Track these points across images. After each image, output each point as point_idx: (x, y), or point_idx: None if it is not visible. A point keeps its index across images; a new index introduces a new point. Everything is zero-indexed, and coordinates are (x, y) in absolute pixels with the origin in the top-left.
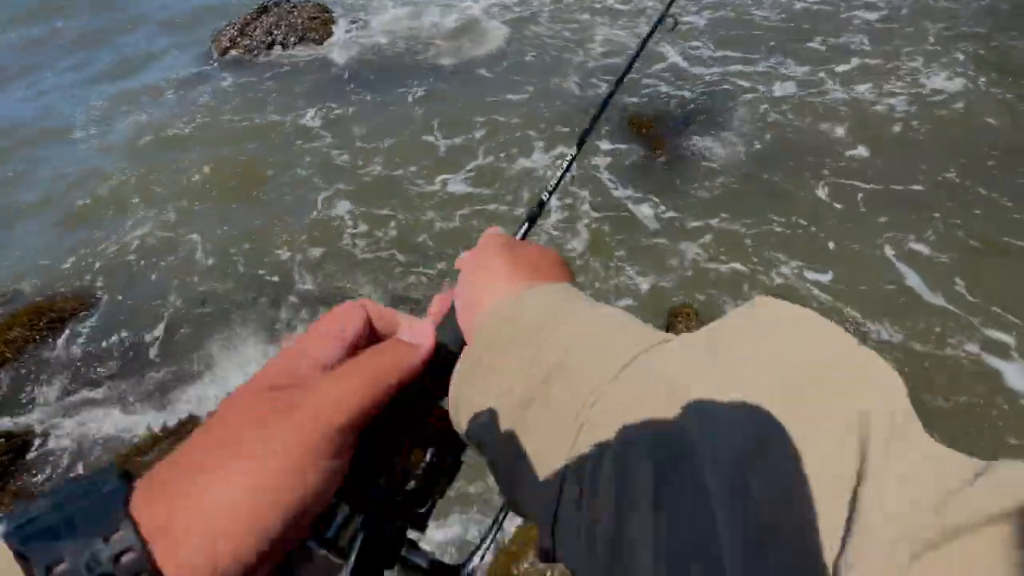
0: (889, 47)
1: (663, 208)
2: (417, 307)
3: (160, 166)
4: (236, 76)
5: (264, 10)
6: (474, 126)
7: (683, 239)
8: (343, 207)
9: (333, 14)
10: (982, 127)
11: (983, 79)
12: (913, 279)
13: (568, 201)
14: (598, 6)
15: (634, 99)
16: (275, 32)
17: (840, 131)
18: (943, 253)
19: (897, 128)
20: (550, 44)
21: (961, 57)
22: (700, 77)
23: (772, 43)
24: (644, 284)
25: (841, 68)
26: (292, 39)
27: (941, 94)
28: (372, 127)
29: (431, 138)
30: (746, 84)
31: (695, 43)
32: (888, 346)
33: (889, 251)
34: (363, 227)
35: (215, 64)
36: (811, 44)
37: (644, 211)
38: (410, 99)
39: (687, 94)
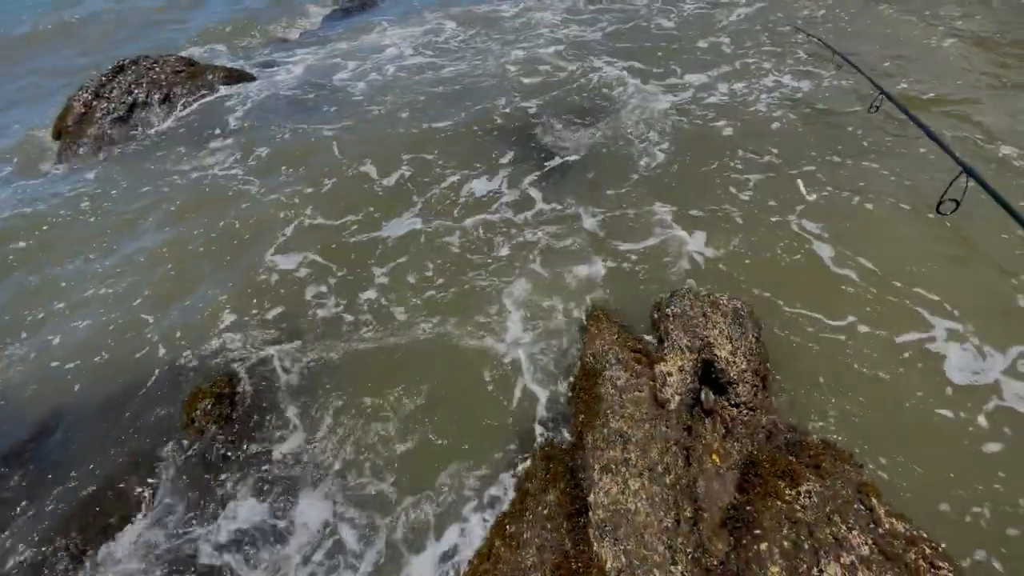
0: (749, 53)
1: (579, 209)
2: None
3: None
4: (101, 157)
5: (120, 69)
6: (402, 163)
7: (599, 236)
8: (285, 264)
9: (203, 65)
10: (833, 114)
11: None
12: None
13: (491, 213)
14: (509, 37)
15: (547, 110)
16: (136, 91)
17: (727, 126)
18: (825, 222)
19: (772, 122)
20: (463, 72)
21: (803, 55)
22: (605, 84)
23: (660, 53)
24: (559, 286)
25: (719, 71)
26: (156, 96)
27: (797, 90)
28: (293, 175)
29: (365, 183)
30: (645, 88)
31: (596, 55)
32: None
33: (782, 225)
34: (317, 287)
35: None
36: (691, 53)
37: (558, 213)
38: (325, 138)
39: (592, 103)
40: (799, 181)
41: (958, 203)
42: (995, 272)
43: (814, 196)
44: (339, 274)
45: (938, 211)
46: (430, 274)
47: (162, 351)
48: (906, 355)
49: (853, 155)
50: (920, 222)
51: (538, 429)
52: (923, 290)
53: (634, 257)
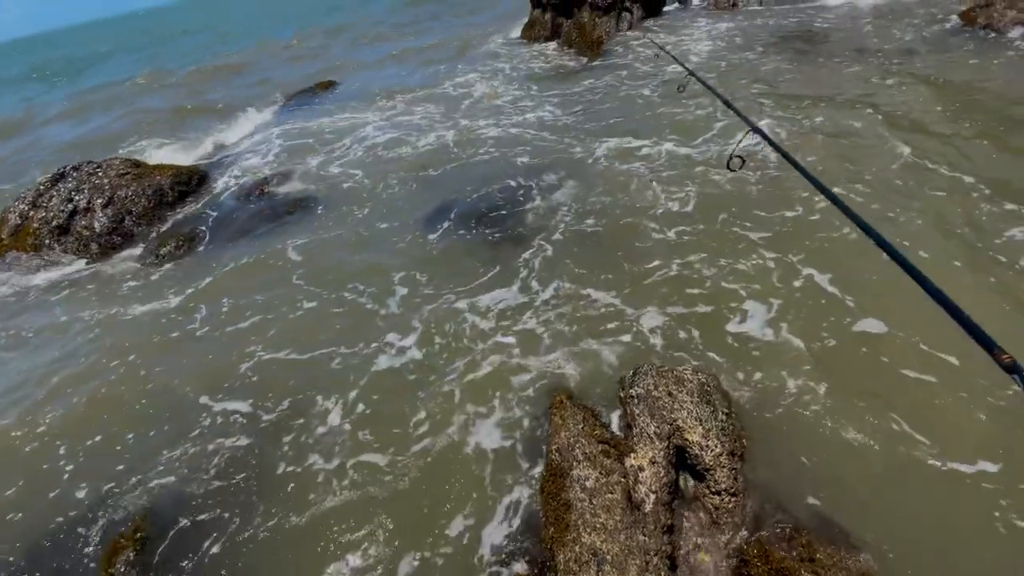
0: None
1: (537, 289)
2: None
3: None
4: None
5: (60, 176)
6: (367, 274)
7: (558, 315)
8: (228, 407)
9: (151, 165)
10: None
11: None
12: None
13: (420, 290)
14: (461, 116)
15: (477, 189)
16: (76, 198)
17: (648, 188)
18: (761, 285)
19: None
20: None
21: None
22: (536, 152)
23: (615, 124)
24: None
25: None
26: (99, 202)
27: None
28: (245, 302)
29: (322, 308)
30: (572, 154)
31: (519, 126)
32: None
33: (730, 293)
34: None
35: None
36: (612, 121)
37: (519, 297)
38: (282, 254)
39: (517, 180)
40: (739, 238)
41: (743, 160)
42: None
43: (754, 261)
44: (279, 409)
45: (728, 167)
46: (380, 398)
47: (80, 496)
48: (883, 414)
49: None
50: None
51: (504, 545)
52: (888, 345)
53: (598, 334)
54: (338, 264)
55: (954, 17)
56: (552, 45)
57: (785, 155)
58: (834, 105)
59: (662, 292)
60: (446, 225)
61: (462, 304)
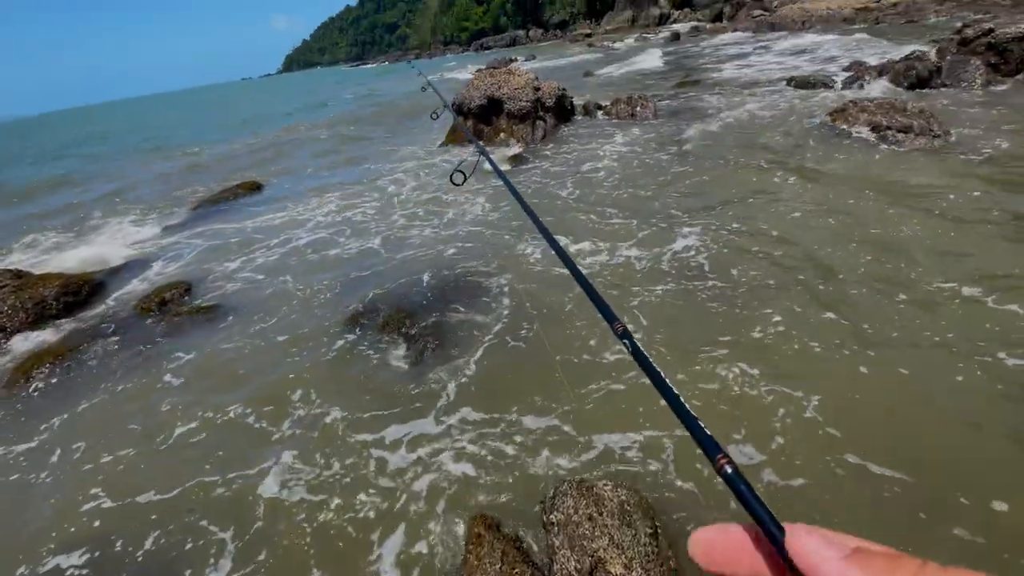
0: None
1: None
2: None
3: None
4: None
5: None
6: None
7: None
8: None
9: (35, 276)
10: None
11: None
12: None
13: (322, 417)
14: (396, 217)
15: (388, 293)
16: None
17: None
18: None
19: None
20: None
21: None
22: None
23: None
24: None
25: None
26: None
27: (681, 252)
28: (103, 443)
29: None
30: (505, 252)
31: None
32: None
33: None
34: None
35: None
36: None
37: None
38: (179, 376)
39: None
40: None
41: (465, 176)
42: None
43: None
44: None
45: (451, 180)
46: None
47: None
48: None
49: None
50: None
51: None
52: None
53: (527, 451)
54: (234, 382)
55: (821, 117)
56: (472, 148)
57: (503, 179)
58: (730, 200)
59: (604, 410)
60: (364, 334)
61: (371, 429)
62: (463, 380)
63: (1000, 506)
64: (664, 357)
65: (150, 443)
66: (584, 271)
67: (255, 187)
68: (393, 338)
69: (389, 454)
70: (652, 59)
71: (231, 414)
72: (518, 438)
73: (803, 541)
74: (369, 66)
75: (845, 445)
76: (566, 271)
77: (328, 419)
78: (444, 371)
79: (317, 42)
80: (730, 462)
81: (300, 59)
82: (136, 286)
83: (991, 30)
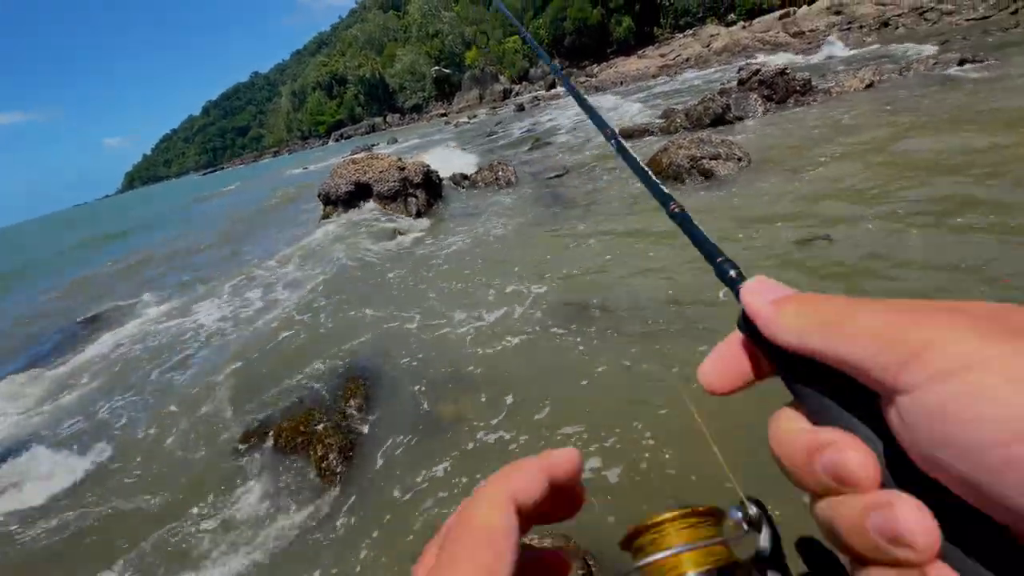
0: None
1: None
2: None
3: None
4: None
5: None
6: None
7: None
8: None
9: None
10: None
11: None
12: None
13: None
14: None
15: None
16: None
17: (462, 355)
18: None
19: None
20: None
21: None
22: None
23: (395, 292)
24: None
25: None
26: None
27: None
28: None
29: None
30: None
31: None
32: None
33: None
34: None
35: None
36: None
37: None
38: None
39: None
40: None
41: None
42: None
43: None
44: None
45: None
46: None
47: None
48: None
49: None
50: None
51: None
52: None
53: None
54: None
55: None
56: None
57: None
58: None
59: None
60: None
61: None
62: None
63: None
64: None
65: None
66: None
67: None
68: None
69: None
70: (503, 129)
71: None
72: None
73: (748, 286)
74: (225, 170)
75: None
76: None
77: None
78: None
79: (161, 155)
80: (681, 209)
81: (143, 175)
82: None
83: (759, 70)
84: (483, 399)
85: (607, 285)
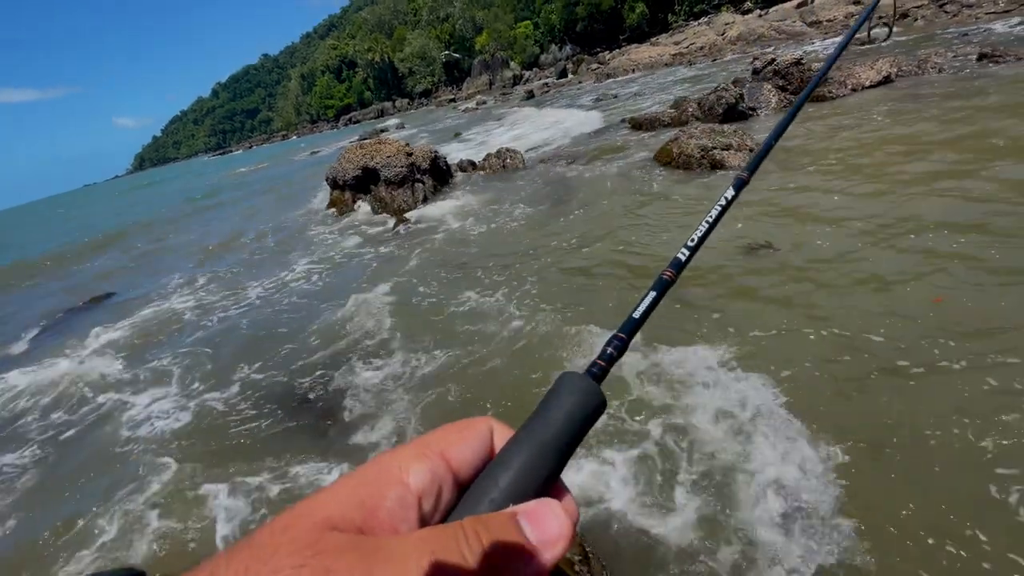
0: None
1: None
2: None
3: None
4: None
5: None
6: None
7: None
8: None
9: None
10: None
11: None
12: None
13: None
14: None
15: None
16: None
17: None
18: None
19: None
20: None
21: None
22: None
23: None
24: None
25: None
26: None
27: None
28: None
29: None
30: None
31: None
32: None
33: None
34: None
35: None
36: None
37: None
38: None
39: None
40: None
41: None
42: None
43: None
44: None
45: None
46: None
47: None
48: None
49: None
50: None
51: None
52: None
53: None
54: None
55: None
56: (359, 215)
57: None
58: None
59: None
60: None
61: None
62: None
63: None
64: None
65: None
66: None
67: (105, 297)
68: None
69: None
70: (516, 117)
71: None
72: None
73: None
74: (235, 153)
75: None
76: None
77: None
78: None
79: (171, 136)
80: None
81: (153, 156)
82: None
83: (773, 59)
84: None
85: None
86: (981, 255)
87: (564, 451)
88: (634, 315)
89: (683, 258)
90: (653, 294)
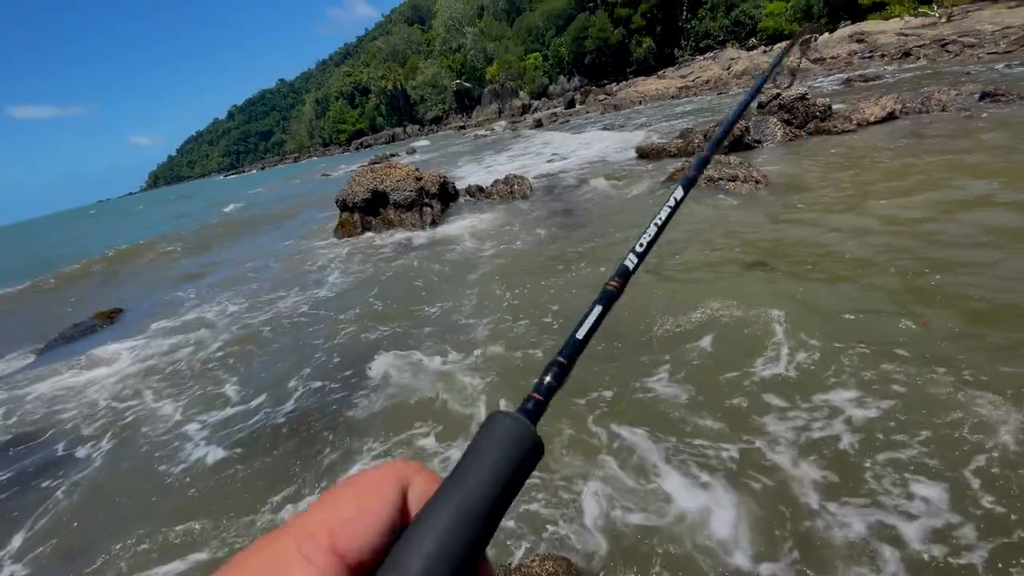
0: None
1: None
2: None
3: None
4: None
5: None
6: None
7: None
8: None
9: None
10: None
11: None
12: None
13: None
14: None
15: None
16: None
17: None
18: None
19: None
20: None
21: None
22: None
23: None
24: None
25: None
26: None
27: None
28: None
29: None
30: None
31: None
32: None
33: None
34: None
35: None
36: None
37: None
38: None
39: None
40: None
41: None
42: None
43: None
44: None
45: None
46: None
47: None
48: None
49: None
50: None
51: None
52: None
53: None
54: None
55: (664, 176)
56: (364, 237)
57: None
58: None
59: None
60: None
61: None
62: None
63: None
64: None
65: None
66: None
67: (115, 314)
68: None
69: None
70: (522, 144)
71: None
72: None
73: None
74: (248, 173)
75: None
76: None
77: None
78: None
79: (185, 156)
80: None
81: (167, 174)
82: None
83: (779, 95)
84: None
85: None
86: (967, 293)
87: (491, 515)
88: (576, 335)
89: (631, 266)
90: (599, 309)
